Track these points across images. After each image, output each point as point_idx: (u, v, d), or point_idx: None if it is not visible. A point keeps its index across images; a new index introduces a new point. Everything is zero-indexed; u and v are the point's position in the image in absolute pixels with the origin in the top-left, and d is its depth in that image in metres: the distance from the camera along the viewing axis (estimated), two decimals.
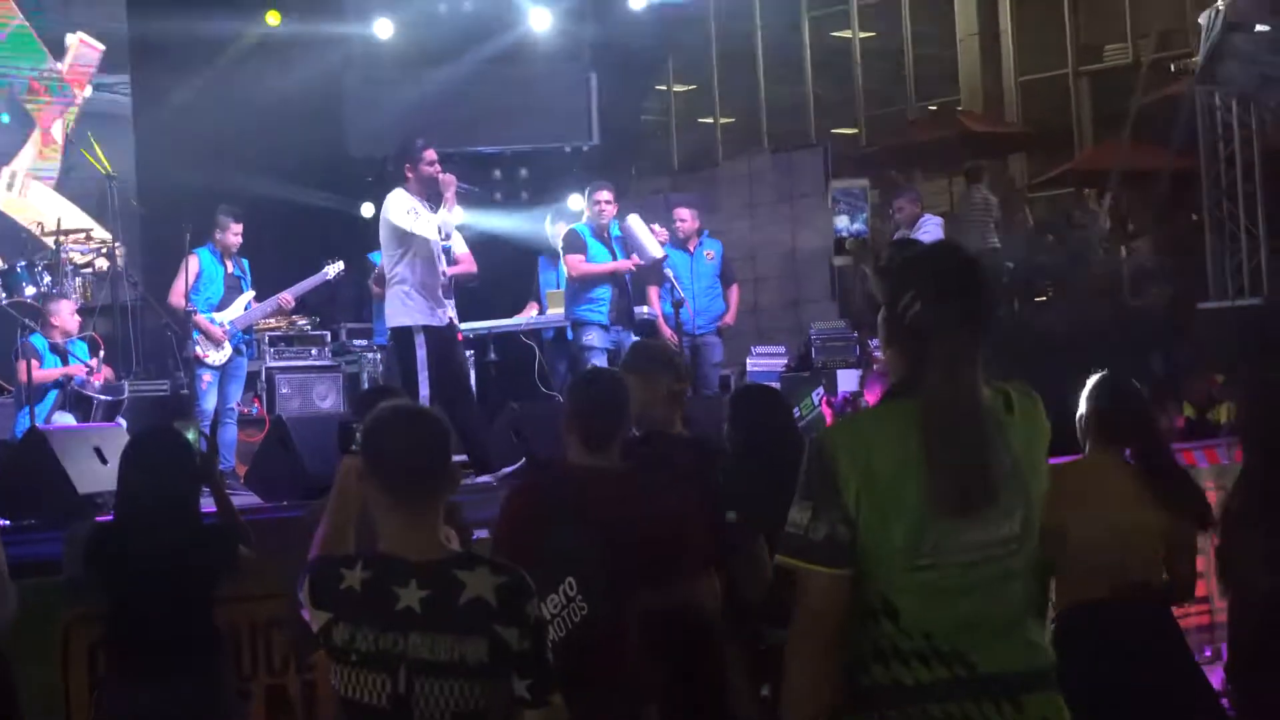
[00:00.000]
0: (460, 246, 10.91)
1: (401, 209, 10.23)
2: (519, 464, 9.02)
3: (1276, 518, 5.52)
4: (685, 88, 25.43)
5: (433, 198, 10.34)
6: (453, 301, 10.46)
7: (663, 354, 6.44)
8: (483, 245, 10.83)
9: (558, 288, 13.51)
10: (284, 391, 12.79)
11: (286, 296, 12.47)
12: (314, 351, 13.25)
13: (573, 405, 5.35)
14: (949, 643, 3.41)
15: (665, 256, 12.17)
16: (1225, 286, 16.84)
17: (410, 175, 10.29)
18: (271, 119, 16.09)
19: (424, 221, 10.19)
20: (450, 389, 10.26)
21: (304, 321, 13.56)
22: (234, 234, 12.21)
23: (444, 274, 10.36)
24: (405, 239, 10.25)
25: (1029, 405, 3.56)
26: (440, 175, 10.29)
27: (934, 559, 3.40)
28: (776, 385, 10.69)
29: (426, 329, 10.21)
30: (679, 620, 4.36)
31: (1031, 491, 3.50)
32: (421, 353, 10.16)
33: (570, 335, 12.77)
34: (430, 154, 10.33)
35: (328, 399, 12.77)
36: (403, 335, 10.34)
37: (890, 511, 3.40)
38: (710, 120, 26.66)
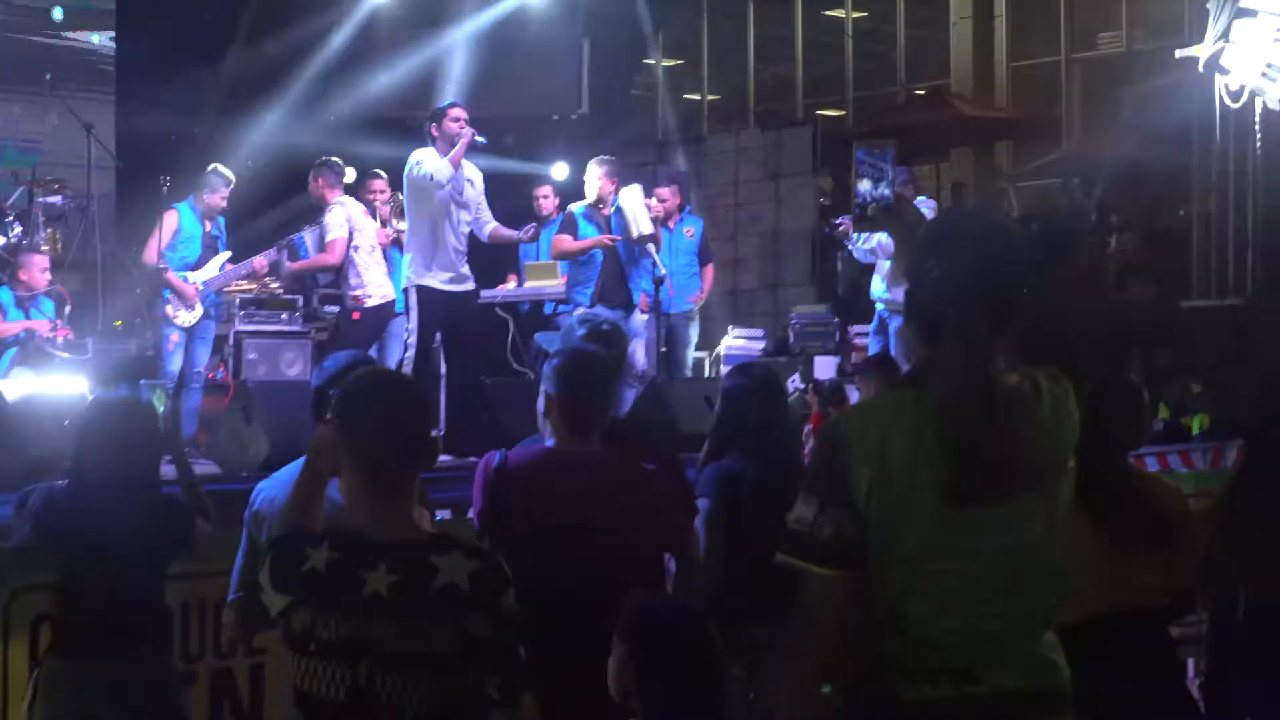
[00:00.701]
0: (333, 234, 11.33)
1: (412, 163, 10.37)
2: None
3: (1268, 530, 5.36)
4: (673, 62, 25.15)
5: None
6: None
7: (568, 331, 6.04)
8: None
9: (537, 259, 13.36)
10: (251, 357, 12.51)
11: (262, 260, 12.28)
12: (284, 316, 12.97)
13: (554, 385, 5.12)
14: (957, 657, 3.16)
15: (654, 234, 11.92)
16: (1210, 284, 16.65)
17: (435, 134, 10.42)
18: (259, 78, 15.81)
19: (426, 174, 10.18)
20: (450, 358, 10.26)
21: (276, 285, 13.26)
22: (221, 197, 11.99)
23: (459, 237, 10.40)
24: (413, 196, 10.41)
25: (1059, 394, 3.28)
26: (460, 130, 10.33)
27: (948, 562, 3.15)
28: None
29: (420, 289, 10.24)
30: (668, 614, 4.16)
31: (1058, 489, 3.25)
32: (412, 315, 10.14)
33: (548, 309, 12.71)
34: (455, 111, 10.49)
35: (295, 366, 12.48)
36: (404, 295, 10.48)
37: (904, 508, 3.14)
38: (697, 96, 26.40)
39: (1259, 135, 16.53)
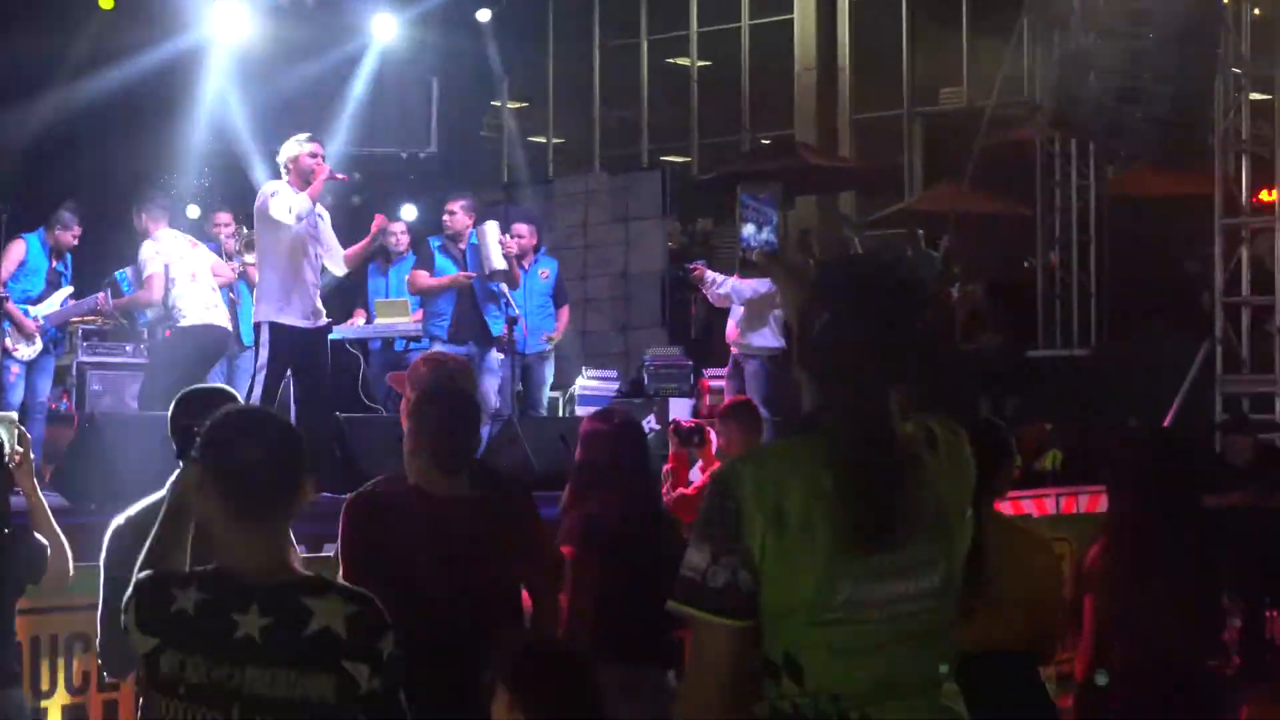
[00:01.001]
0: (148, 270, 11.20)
1: (265, 196, 10.13)
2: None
3: (1152, 575, 5.37)
4: (519, 105, 25.12)
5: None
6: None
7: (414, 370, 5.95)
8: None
9: (386, 296, 13.23)
10: (95, 388, 12.28)
11: (104, 297, 12.09)
12: (128, 348, 12.73)
13: (423, 424, 5.02)
14: (858, 707, 3.07)
15: (506, 270, 11.81)
16: (1055, 335, 16.94)
17: (290, 167, 10.18)
18: (104, 107, 15.49)
19: (282, 208, 10.03)
20: (302, 396, 10.07)
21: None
22: (73, 235, 11.98)
23: (314, 272, 10.24)
24: (267, 230, 10.15)
25: (954, 443, 3.23)
26: (317, 166, 10.16)
27: (846, 612, 3.06)
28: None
29: (273, 325, 10.01)
30: (542, 652, 4.12)
31: (955, 539, 3.19)
32: (264, 351, 9.96)
33: (399, 346, 12.58)
34: (310, 146, 10.24)
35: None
36: (256, 330, 10.25)
37: (800, 558, 3.05)
38: (542, 139, 26.41)
39: (1094, 193, 16.91)
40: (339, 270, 10.66)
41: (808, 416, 3.21)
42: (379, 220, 10.78)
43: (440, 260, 12.07)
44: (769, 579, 3.06)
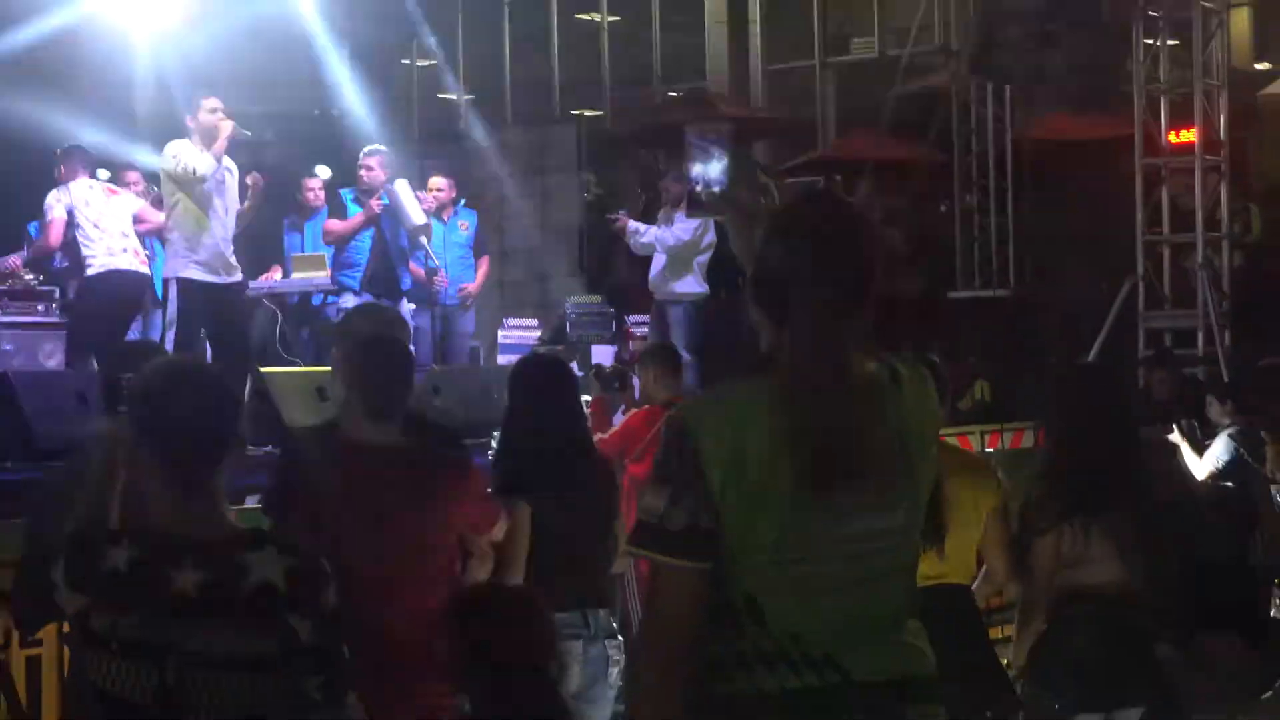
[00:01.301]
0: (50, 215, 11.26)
1: (169, 155, 10.17)
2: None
3: (1075, 512, 5.36)
4: (428, 62, 24.86)
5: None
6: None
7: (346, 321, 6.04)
8: None
9: (302, 250, 13.15)
10: (7, 348, 12.09)
11: (15, 259, 12.05)
12: (40, 307, 12.55)
13: (358, 372, 4.94)
14: (820, 646, 3.01)
15: (427, 224, 11.83)
16: (974, 277, 17.01)
17: (191, 124, 10.26)
18: (11, 67, 15.21)
19: (187, 167, 10.06)
20: (218, 350, 10.10)
21: (30, 276, 12.84)
22: None
23: (224, 227, 10.25)
24: (172, 189, 10.21)
25: (918, 381, 3.16)
26: (219, 123, 10.18)
27: (807, 552, 3.00)
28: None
29: (180, 280, 10.08)
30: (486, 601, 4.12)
31: (919, 478, 3.12)
32: (171, 306, 10.06)
33: (316, 300, 12.50)
34: (209, 102, 10.27)
35: (54, 357, 12.08)
36: (164, 286, 10.33)
37: (759, 499, 2.97)
38: (453, 96, 26.19)
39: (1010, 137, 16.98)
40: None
41: (763, 356, 3.13)
42: (254, 179, 10.70)
43: (353, 211, 12.13)
44: (730, 520, 3.00)
